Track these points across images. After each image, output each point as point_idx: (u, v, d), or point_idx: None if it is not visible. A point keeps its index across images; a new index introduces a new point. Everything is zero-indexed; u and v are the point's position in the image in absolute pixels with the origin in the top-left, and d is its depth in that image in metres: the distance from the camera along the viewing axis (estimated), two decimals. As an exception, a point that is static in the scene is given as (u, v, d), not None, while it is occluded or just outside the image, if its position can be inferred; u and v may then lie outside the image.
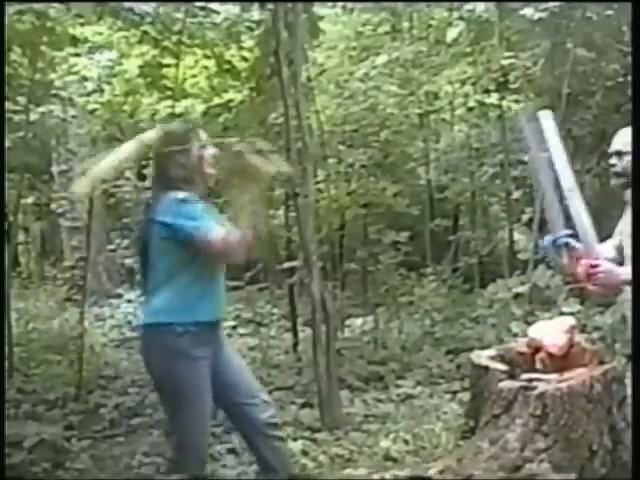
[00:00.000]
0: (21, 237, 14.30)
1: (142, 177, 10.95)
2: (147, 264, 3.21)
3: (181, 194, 3.11)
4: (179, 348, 3.08)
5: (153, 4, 5.76)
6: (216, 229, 3.03)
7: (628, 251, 3.16)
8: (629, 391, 3.31)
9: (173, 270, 3.12)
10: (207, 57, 6.93)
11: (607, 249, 3.32)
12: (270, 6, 5.46)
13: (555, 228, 3.18)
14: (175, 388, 3.12)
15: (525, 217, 7.93)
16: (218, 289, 3.22)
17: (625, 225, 3.27)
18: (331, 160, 8.22)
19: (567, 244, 3.14)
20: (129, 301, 10.39)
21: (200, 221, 3.05)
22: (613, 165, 3.30)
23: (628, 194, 3.25)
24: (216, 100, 7.33)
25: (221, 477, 4.23)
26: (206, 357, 3.16)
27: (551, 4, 6.41)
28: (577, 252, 3.12)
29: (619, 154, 3.28)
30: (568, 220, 3.16)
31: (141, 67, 6.97)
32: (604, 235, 3.33)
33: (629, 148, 3.24)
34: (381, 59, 8.04)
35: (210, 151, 3.24)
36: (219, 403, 3.28)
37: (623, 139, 3.30)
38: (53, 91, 6.89)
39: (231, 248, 3.03)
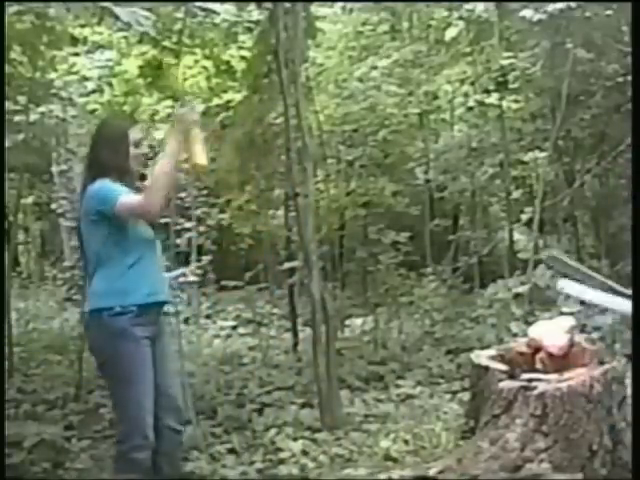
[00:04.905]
0: (21, 237, 14.29)
1: (142, 177, 10.98)
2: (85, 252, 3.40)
3: (107, 181, 3.30)
4: (120, 327, 3.20)
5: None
6: (130, 195, 3.27)
7: None
8: (629, 391, 3.32)
9: (103, 254, 3.28)
10: (206, 57, 6.92)
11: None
12: (269, 5, 5.45)
13: None
14: (119, 366, 3.24)
15: (525, 217, 7.92)
16: (154, 272, 3.37)
17: None
18: (330, 160, 8.23)
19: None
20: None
21: (115, 192, 3.25)
22: None
23: None
24: (216, 101, 7.32)
25: (221, 477, 4.23)
26: (147, 337, 3.28)
27: (550, 6, 6.39)
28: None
29: None
30: None
31: (141, 67, 6.95)
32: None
33: None
34: (382, 62, 8.04)
35: (143, 150, 3.58)
36: None
37: None
38: (53, 91, 6.88)
39: (147, 206, 3.22)
